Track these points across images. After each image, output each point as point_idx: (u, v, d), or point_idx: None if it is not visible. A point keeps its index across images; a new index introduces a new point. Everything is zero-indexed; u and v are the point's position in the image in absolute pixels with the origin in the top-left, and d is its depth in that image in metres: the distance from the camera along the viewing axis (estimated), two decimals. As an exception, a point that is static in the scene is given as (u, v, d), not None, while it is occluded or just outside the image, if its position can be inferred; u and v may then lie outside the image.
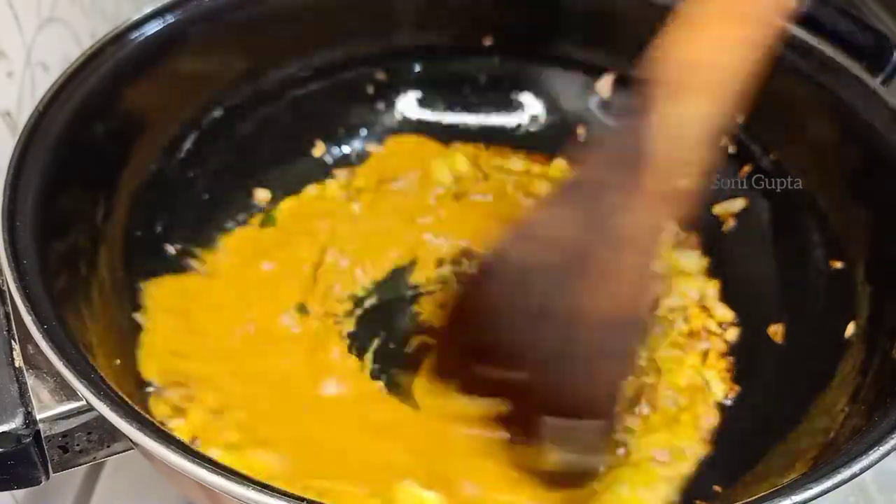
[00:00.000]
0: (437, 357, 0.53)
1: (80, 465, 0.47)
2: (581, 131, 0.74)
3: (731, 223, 0.67)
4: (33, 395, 0.44)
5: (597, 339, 0.43)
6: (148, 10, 0.62)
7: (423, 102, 0.76)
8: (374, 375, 0.58)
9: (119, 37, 0.60)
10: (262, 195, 0.70)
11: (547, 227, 0.44)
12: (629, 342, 0.46)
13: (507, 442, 0.47)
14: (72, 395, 0.44)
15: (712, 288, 0.65)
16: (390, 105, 0.75)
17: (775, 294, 0.63)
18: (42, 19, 0.63)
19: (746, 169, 0.68)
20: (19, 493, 0.60)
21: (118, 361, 0.52)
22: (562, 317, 0.42)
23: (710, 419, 0.57)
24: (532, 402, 0.44)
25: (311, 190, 0.71)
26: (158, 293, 0.60)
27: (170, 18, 0.62)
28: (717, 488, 0.52)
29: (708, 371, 0.60)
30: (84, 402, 0.43)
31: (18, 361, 0.45)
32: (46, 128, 0.54)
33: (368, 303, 0.63)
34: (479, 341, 0.46)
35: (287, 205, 0.69)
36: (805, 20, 0.64)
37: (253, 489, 0.38)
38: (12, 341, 0.46)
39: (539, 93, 0.76)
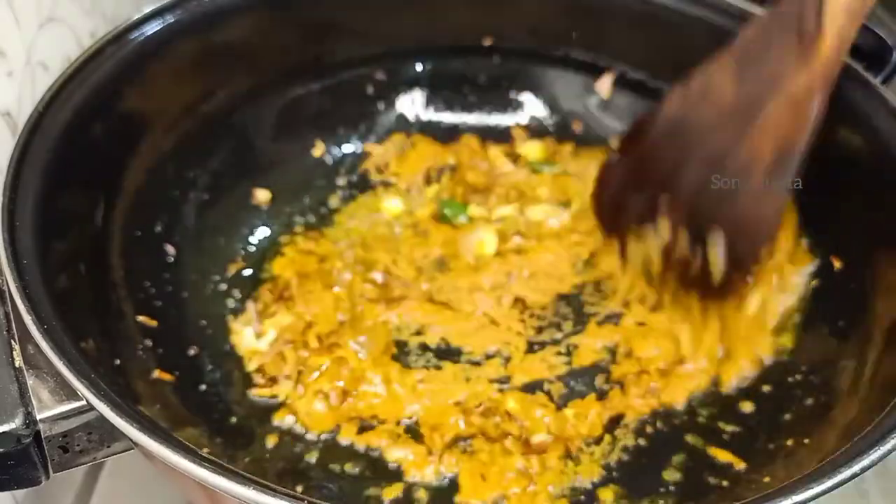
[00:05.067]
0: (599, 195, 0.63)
1: (80, 465, 0.47)
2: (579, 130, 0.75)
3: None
4: (33, 395, 0.44)
5: (762, 176, 0.52)
6: (148, 10, 0.62)
7: (423, 102, 0.76)
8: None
9: (119, 37, 0.60)
10: (262, 195, 0.70)
11: (712, 86, 0.53)
12: (787, 179, 0.54)
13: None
14: (72, 395, 0.44)
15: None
16: (390, 105, 0.75)
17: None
18: (42, 19, 0.63)
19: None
20: (19, 493, 0.60)
21: (118, 361, 0.52)
22: (729, 160, 0.52)
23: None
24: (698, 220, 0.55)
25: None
26: None
27: (170, 18, 0.62)
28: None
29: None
30: (84, 402, 0.43)
31: (18, 361, 0.45)
32: (46, 128, 0.54)
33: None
34: (645, 180, 0.57)
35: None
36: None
37: (253, 489, 0.38)
38: (12, 341, 0.46)
39: (539, 93, 0.76)
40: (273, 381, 0.59)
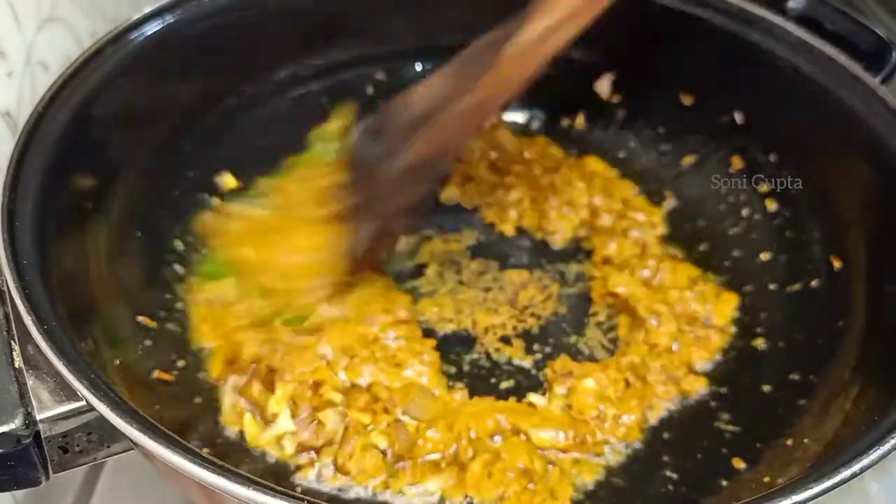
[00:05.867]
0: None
1: (80, 465, 0.47)
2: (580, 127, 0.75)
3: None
4: (33, 395, 0.44)
5: (411, 174, 0.56)
6: (148, 10, 0.62)
7: (422, 102, 0.76)
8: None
9: (119, 37, 0.60)
10: (261, 195, 0.70)
11: (423, 91, 0.55)
12: (427, 187, 0.60)
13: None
14: (72, 395, 0.44)
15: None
16: (390, 105, 0.75)
17: (775, 293, 0.63)
18: (42, 19, 0.63)
19: (746, 169, 0.68)
20: (19, 493, 0.60)
21: (118, 361, 0.52)
22: (396, 151, 0.55)
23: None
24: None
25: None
26: None
27: (170, 18, 0.63)
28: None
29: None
30: (84, 403, 0.43)
31: (18, 362, 0.45)
32: (46, 128, 0.54)
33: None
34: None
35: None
36: (805, 20, 0.64)
37: (253, 489, 0.38)
38: (12, 341, 0.46)
39: (539, 93, 0.76)
40: (317, 451, 0.53)
